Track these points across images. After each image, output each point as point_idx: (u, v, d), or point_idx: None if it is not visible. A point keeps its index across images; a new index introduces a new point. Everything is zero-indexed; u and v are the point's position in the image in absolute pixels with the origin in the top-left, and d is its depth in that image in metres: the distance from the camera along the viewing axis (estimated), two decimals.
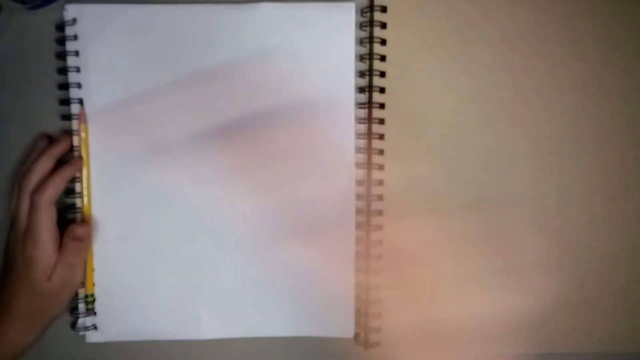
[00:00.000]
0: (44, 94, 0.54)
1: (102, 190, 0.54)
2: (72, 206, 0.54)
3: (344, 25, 0.52)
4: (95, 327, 0.55)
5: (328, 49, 0.53)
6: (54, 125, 0.54)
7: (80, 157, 0.53)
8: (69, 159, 0.53)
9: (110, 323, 0.55)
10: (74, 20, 0.52)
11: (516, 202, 0.54)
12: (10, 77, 0.54)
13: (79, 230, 0.51)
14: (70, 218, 0.54)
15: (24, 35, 0.54)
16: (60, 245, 0.51)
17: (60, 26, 0.53)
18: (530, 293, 0.54)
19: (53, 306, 0.52)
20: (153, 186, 0.54)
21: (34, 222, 0.49)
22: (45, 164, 0.51)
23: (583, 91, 0.53)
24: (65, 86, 0.53)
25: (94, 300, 0.54)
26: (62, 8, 0.53)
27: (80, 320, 0.55)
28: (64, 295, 0.53)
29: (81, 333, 0.55)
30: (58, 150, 0.52)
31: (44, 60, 0.54)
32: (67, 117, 0.53)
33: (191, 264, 0.55)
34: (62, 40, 0.53)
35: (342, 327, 0.55)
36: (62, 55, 0.53)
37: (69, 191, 0.53)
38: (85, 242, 0.52)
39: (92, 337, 0.55)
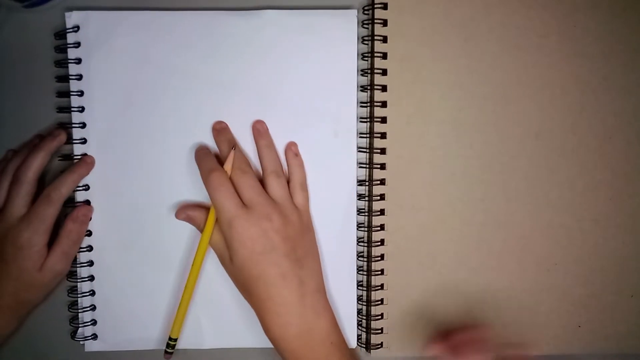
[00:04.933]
0: (41, 93, 0.54)
1: (102, 198, 0.54)
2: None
3: (346, 32, 0.53)
4: (95, 337, 0.54)
5: (331, 56, 0.53)
6: (50, 128, 0.54)
7: (92, 161, 0.54)
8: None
9: (110, 332, 0.55)
10: (77, 28, 0.53)
11: (520, 200, 0.53)
12: (7, 77, 0.55)
13: (81, 210, 0.53)
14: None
15: (22, 34, 0.54)
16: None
17: (61, 34, 0.53)
18: (534, 291, 0.54)
19: (39, 297, 0.53)
20: (154, 194, 0.54)
21: (43, 214, 0.50)
22: (43, 159, 0.52)
23: (585, 87, 0.53)
24: (64, 94, 0.53)
25: (175, 345, 0.53)
26: (61, 8, 0.53)
27: (80, 330, 0.54)
28: (52, 285, 0.53)
29: (82, 342, 0.55)
30: (55, 145, 0.52)
31: (42, 59, 0.54)
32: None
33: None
34: (62, 48, 0.53)
35: (345, 334, 0.54)
36: (62, 63, 0.53)
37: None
38: (84, 227, 0.53)
39: (91, 346, 0.55)
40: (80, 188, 0.53)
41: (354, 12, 0.53)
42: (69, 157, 0.54)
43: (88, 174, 0.53)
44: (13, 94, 0.55)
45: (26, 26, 0.54)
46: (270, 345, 0.52)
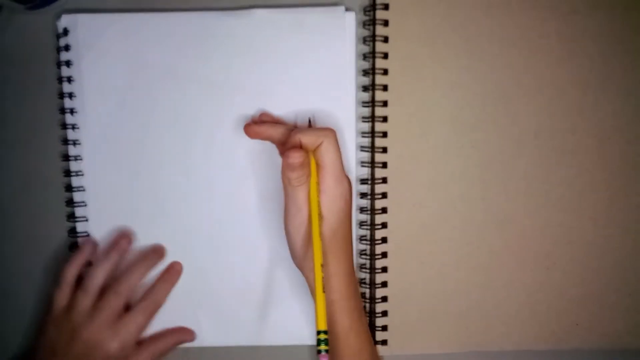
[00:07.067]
0: (44, 95, 0.54)
1: (99, 200, 0.54)
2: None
3: (337, 29, 0.52)
4: None
5: (323, 53, 0.52)
6: (53, 130, 0.54)
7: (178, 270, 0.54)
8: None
9: None
10: (66, 31, 0.52)
11: (519, 199, 0.54)
12: (10, 78, 0.54)
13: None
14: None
15: (25, 36, 0.54)
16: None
17: (59, 36, 0.53)
18: (533, 289, 0.55)
19: None
20: (150, 194, 0.54)
21: (135, 327, 0.51)
22: (142, 275, 0.53)
23: (584, 88, 0.53)
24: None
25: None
26: (63, 10, 0.53)
27: None
28: None
29: None
30: (155, 262, 0.54)
31: (44, 61, 0.54)
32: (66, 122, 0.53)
33: (191, 270, 0.54)
34: (59, 50, 0.53)
35: None
36: (59, 65, 0.53)
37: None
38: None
39: None
40: (76, 189, 0.53)
41: (342, 8, 0.52)
42: (66, 157, 0.53)
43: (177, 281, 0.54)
44: (16, 95, 0.54)
45: (29, 28, 0.54)
46: (271, 344, 0.52)
